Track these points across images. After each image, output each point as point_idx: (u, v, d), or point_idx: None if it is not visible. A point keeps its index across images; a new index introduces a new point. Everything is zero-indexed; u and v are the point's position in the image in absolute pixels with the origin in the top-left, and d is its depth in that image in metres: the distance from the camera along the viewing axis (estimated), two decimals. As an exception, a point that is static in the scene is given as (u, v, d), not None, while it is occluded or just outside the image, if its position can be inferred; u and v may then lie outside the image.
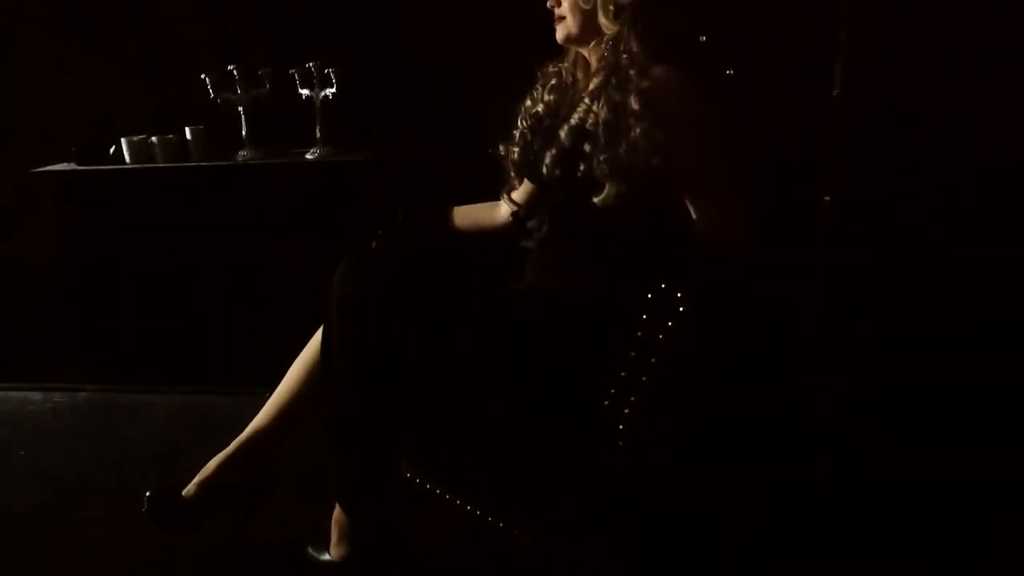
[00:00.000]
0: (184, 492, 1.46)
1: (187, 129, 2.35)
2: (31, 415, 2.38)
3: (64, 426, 2.30)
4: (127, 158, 2.36)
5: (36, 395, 2.48)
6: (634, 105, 1.28)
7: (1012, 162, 2.13)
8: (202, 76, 2.26)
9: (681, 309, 1.29)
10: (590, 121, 1.33)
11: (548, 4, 1.44)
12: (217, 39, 2.41)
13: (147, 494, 1.43)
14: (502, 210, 1.63)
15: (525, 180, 1.56)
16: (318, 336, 1.47)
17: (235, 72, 2.27)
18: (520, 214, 1.53)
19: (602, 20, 1.35)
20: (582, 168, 1.32)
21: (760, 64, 2.21)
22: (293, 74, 2.25)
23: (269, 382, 1.58)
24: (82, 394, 2.48)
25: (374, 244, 1.60)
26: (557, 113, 1.48)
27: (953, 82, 2.13)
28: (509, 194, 1.59)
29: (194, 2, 2.41)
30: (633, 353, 1.30)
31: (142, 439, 2.18)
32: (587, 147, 1.32)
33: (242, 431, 1.52)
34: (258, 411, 1.53)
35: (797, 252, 2.21)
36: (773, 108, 2.24)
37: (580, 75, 1.50)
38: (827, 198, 2.21)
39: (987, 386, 2.11)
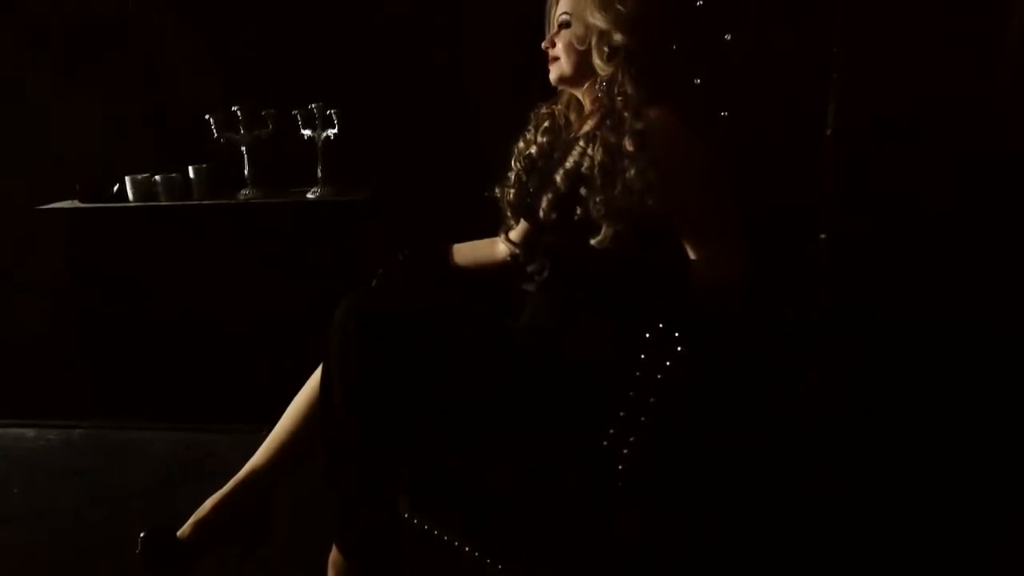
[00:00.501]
0: (179, 533, 1.45)
1: (190, 168, 2.38)
2: (25, 452, 2.36)
3: (58, 463, 2.28)
4: (130, 196, 2.38)
5: (30, 431, 2.47)
6: (628, 146, 1.30)
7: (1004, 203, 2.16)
8: (206, 117, 2.29)
9: (679, 349, 1.30)
10: (585, 164, 1.34)
11: (543, 45, 1.47)
12: (221, 80, 2.45)
13: (141, 535, 1.42)
14: (501, 247, 1.65)
15: (522, 220, 1.58)
16: (317, 375, 1.47)
17: (239, 113, 2.31)
18: (519, 257, 1.55)
19: (596, 61, 1.37)
20: (579, 212, 1.34)
21: (753, 106, 2.25)
22: (295, 115, 2.29)
23: (267, 420, 1.58)
24: (77, 431, 2.47)
25: (374, 283, 1.62)
26: (550, 154, 1.50)
27: (946, 123, 2.18)
28: (507, 234, 1.60)
29: (199, 44, 2.46)
30: (632, 393, 1.30)
31: (138, 477, 2.16)
32: (583, 191, 1.33)
33: (239, 470, 1.51)
34: (256, 449, 1.53)
35: (794, 289, 2.24)
36: (767, 148, 2.28)
37: (573, 117, 1.52)
38: (822, 236, 2.23)
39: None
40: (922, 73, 2.16)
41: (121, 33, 2.45)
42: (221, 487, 1.49)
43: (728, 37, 2.24)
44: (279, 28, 2.42)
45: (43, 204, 2.43)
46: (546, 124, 1.53)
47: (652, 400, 1.30)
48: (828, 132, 2.20)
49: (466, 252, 1.71)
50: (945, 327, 2.19)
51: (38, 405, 2.56)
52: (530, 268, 1.45)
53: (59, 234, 2.43)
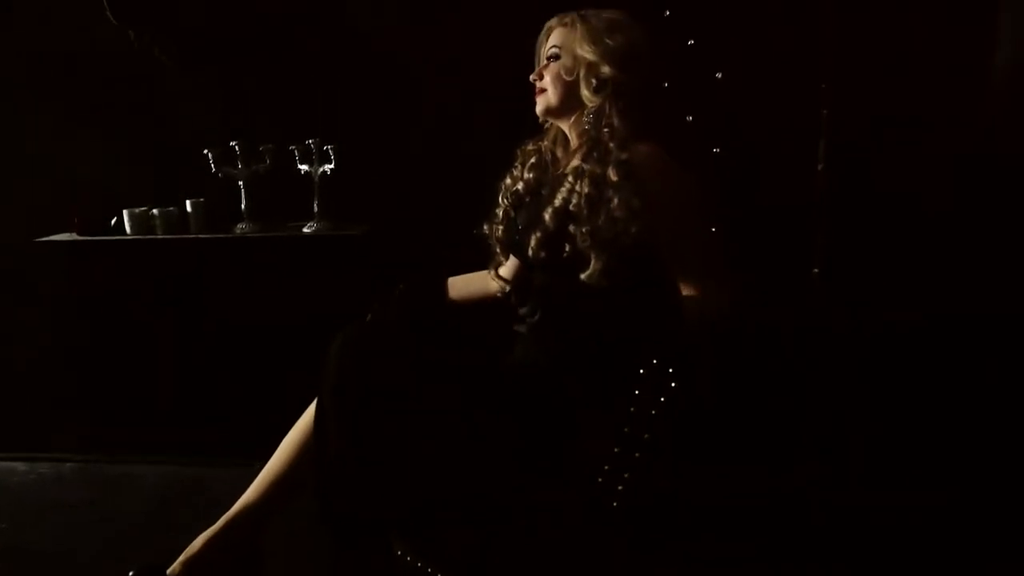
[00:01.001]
0: (169, 571, 1.44)
1: (188, 202, 2.40)
2: (15, 486, 2.34)
3: (49, 498, 2.25)
4: (128, 229, 2.39)
5: (21, 465, 2.45)
6: (613, 176, 1.32)
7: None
8: (205, 151, 2.32)
9: (674, 385, 1.31)
10: (573, 202, 1.35)
11: (531, 78, 1.49)
12: (220, 116, 2.48)
13: (130, 574, 1.41)
14: (493, 282, 1.66)
15: (512, 256, 1.59)
16: (311, 410, 1.47)
17: (237, 148, 2.34)
18: (511, 299, 1.55)
19: (584, 92, 1.40)
20: (567, 248, 1.35)
21: (744, 141, 2.29)
22: (293, 150, 2.32)
23: (260, 455, 1.58)
24: (68, 464, 2.45)
25: (369, 318, 1.63)
26: (537, 190, 1.52)
27: (936, 159, 2.22)
28: (496, 271, 1.61)
29: (199, 80, 2.49)
30: (627, 429, 1.31)
31: (129, 512, 2.14)
32: (571, 227, 1.35)
33: (231, 505, 1.51)
34: (248, 484, 1.52)
35: (786, 320, 2.26)
36: (759, 183, 2.31)
37: (559, 152, 1.54)
38: (815, 270, 2.26)
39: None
40: (913, 104, 2.22)
41: (123, 68, 2.48)
42: (213, 522, 1.49)
43: (719, 76, 2.30)
44: (278, 65, 2.46)
45: (42, 236, 2.43)
46: (532, 160, 1.55)
47: (646, 436, 1.31)
48: (819, 167, 2.25)
49: (460, 285, 1.73)
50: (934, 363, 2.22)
51: (29, 438, 2.54)
52: (522, 311, 1.46)
53: (57, 267, 2.44)
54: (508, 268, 1.62)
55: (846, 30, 2.15)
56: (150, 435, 2.46)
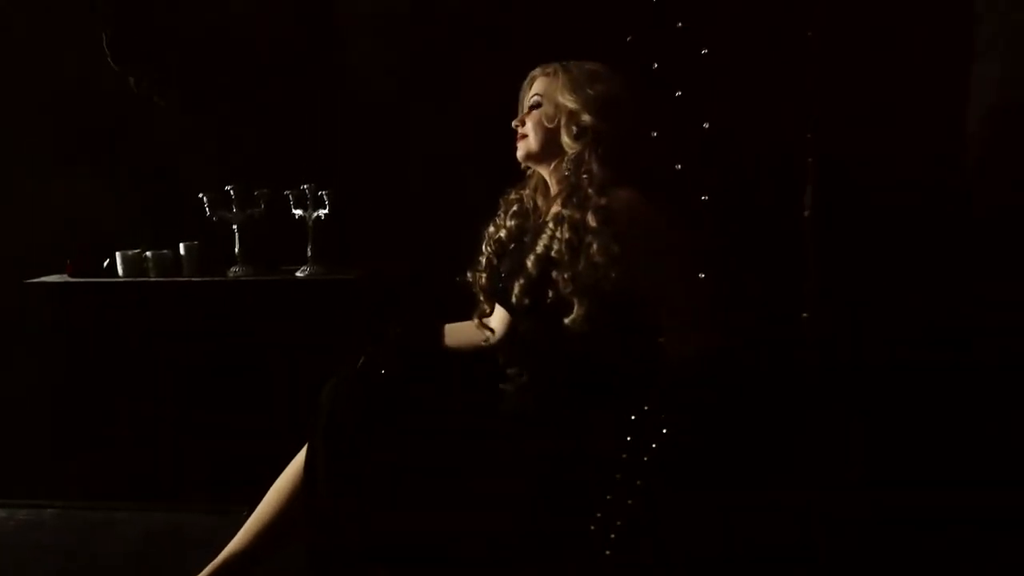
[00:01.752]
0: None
1: (181, 245, 2.41)
2: (-6, 533, 2.29)
3: (28, 545, 2.20)
4: (120, 271, 2.39)
5: (0, 511, 2.40)
6: (591, 222, 1.34)
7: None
8: (200, 195, 2.34)
9: (664, 431, 1.31)
10: (555, 248, 1.38)
11: (513, 124, 1.53)
12: (216, 160, 2.52)
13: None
14: (491, 326, 1.66)
15: (497, 307, 1.60)
16: (301, 456, 1.47)
17: (232, 192, 2.36)
18: (499, 359, 1.55)
19: (564, 139, 1.43)
20: (551, 294, 1.37)
21: (733, 188, 2.34)
22: (288, 195, 2.34)
23: (248, 501, 1.56)
24: (48, 510, 2.40)
25: (360, 364, 1.63)
26: (520, 237, 1.54)
27: (926, 202, 2.28)
28: (481, 319, 1.62)
29: (198, 125, 2.53)
30: (619, 475, 1.31)
31: (111, 559, 2.09)
32: (554, 273, 1.36)
33: (219, 553, 1.48)
34: (236, 531, 1.50)
35: (776, 365, 2.28)
36: (746, 230, 2.36)
37: (540, 201, 1.57)
38: (804, 315, 2.28)
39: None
40: (896, 152, 2.28)
41: (120, 111, 2.52)
42: (198, 570, 1.46)
43: (706, 125, 2.36)
44: (274, 111, 2.51)
45: (32, 278, 2.43)
46: (514, 208, 1.58)
47: (639, 483, 1.31)
48: (806, 214, 2.30)
49: (455, 333, 1.73)
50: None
51: (7, 483, 2.49)
52: (510, 371, 1.47)
53: (45, 309, 2.43)
54: (497, 321, 1.63)
55: (829, 81, 2.22)
56: (133, 480, 2.42)
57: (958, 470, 2.16)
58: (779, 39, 2.33)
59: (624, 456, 1.32)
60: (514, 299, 1.42)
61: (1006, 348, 2.15)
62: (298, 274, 2.35)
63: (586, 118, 1.41)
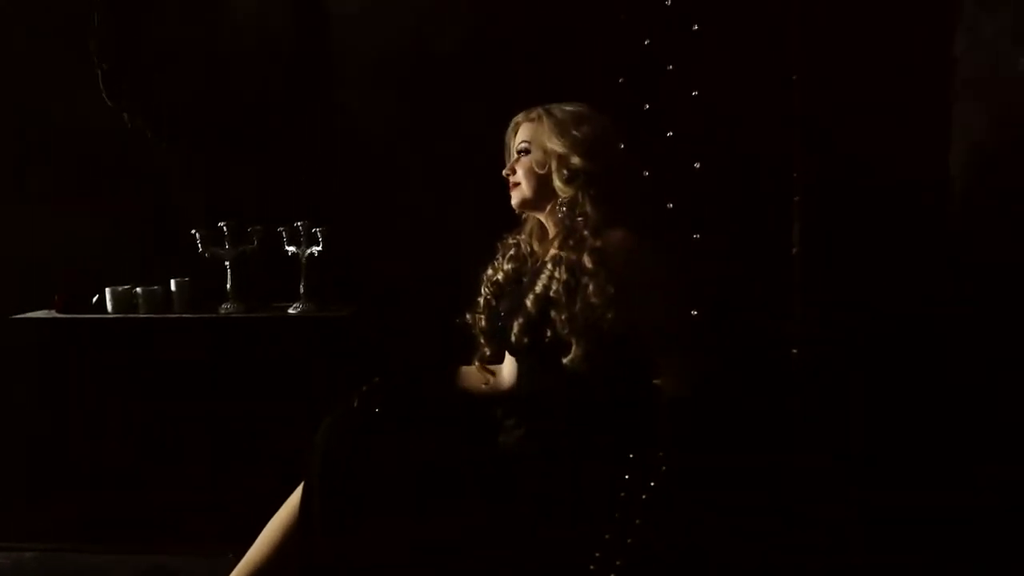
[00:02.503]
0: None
1: (172, 281, 2.40)
2: (-29, 577, 2.22)
3: (7, 589, 2.15)
4: (109, 307, 2.37)
5: (-22, 555, 2.33)
6: (587, 264, 1.36)
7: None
8: (192, 231, 2.33)
9: (664, 468, 1.31)
10: (553, 288, 1.39)
11: (504, 173, 1.55)
12: (210, 196, 2.52)
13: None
14: (502, 374, 1.65)
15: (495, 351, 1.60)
16: (294, 498, 1.45)
17: (225, 228, 2.35)
18: (496, 412, 1.54)
19: (557, 184, 1.45)
20: (549, 335, 1.37)
21: (721, 227, 2.38)
22: (281, 232, 2.34)
23: (239, 542, 1.53)
24: (28, 554, 2.33)
25: (355, 404, 1.61)
26: (517, 280, 1.55)
27: (917, 241, 2.32)
28: (481, 361, 1.62)
29: (192, 161, 2.54)
30: (617, 515, 1.30)
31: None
32: (552, 314, 1.37)
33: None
34: (224, 574, 1.47)
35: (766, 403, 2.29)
36: (734, 266, 2.39)
37: (536, 245, 1.58)
38: (794, 351, 2.30)
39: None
40: (881, 195, 2.32)
41: (113, 147, 2.53)
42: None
43: (697, 166, 2.40)
44: (268, 148, 2.53)
45: (19, 313, 2.40)
46: (512, 252, 1.60)
47: (638, 522, 1.30)
48: (794, 251, 2.33)
49: (463, 376, 1.71)
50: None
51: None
52: (508, 423, 1.47)
53: (31, 346, 2.39)
54: (506, 371, 1.63)
55: (815, 122, 2.29)
56: (119, 522, 2.37)
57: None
58: (765, 79, 2.39)
59: (622, 495, 1.31)
60: (513, 338, 1.43)
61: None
62: (290, 311, 2.34)
63: (576, 160, 1.43)
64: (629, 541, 1.29)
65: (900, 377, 2.28)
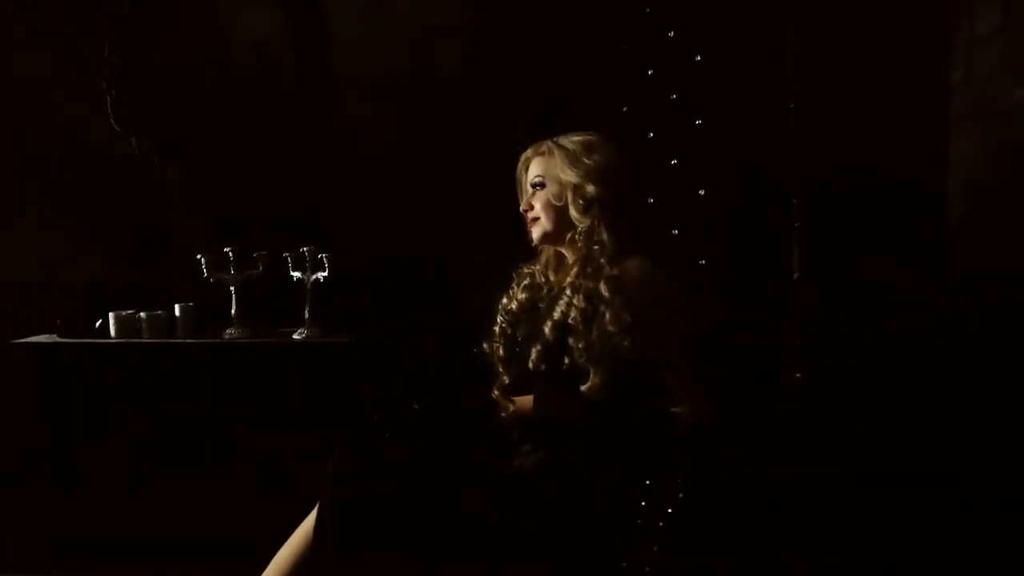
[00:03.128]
0: None
1: (176, 306, 2.39)
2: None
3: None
4: (112, 332, 2.36)
5: (-28, 585, 2.28)
6: (604, 291, 1.36)
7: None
8: (198, 256, 2.33)
9: (681, 495, 1.30)
10: (572, 315, 1.39)
11: (521, 208, 1.55)
12: (216, 222, 2.53)
13: None
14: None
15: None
16: (305, 525, 1.43)
17: (230, 253, 2.35)
18: (513, 436, 1.54)
19: (573, 214, 1.45)
20: (567, 361, 1.38)
21: (723, 253, 2.41)
22: (287, 257, 2.34)
23: (248, 571, 1.51)
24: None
25: (369, 430, 1.60)
26: (533, 308, 1.55)
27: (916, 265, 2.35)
28: (501, 391, 1.61)
29: (197, 187, 2.55)
30: (635, 540, 1.29)
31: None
32: (571, 340, 1.38)
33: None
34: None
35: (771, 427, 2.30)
36: (737, 291, 2.41)
37: (552, 275, 1.58)
38: (797, 375, 2.32)
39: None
40: (879, 221, 2.35)
41: (120, 171, 2.53)
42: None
43: (702, 192, 2.43)
44: (274, 175, 2.55)
45: (21, 338, 2.38)
46: (527, 282, 1.59)
47: (655, 549, 1.29)
48: (795, 276, 2.36)
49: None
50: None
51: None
52: (524, 447, 1.46)
53: (31, 370, 2.37)
54: (524, 398, 1.62)
55: (813, 148, 2.36)
56: (121, 552, 2.32)
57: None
58: (766, 107, 2.44)
59: (640, 521, 1.30)
60: (531, 364, 1.43)
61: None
62: (295, 336, 2.33)
63: (591, 189, 1.44)
64: (648, 570, 1.28)
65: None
